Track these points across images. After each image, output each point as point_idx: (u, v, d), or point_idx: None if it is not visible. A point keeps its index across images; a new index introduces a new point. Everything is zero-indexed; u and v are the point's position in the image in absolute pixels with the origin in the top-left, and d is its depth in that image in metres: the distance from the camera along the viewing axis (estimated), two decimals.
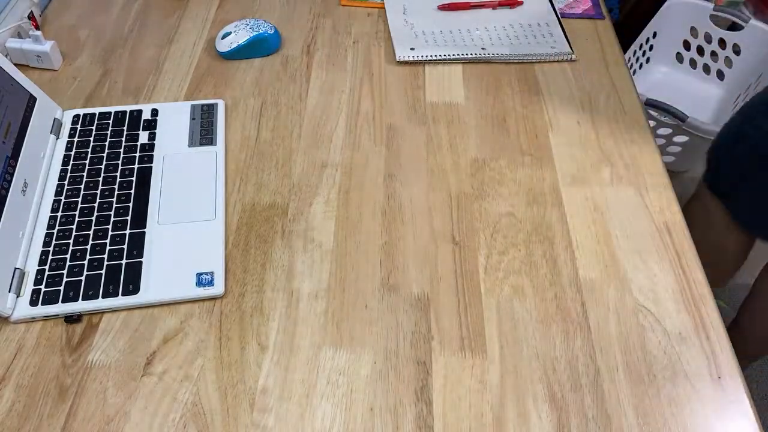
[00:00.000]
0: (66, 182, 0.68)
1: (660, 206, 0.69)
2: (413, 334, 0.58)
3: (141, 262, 0.61)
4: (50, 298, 0.58)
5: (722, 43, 1.60)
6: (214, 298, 0.60)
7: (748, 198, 0.94)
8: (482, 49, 0.87)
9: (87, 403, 0.53)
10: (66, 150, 0.71)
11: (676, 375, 0.56)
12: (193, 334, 0.58)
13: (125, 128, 0.73)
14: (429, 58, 0.85)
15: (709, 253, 0.78)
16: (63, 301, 0.58)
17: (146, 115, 0.75)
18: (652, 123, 1.46)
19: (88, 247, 0.62)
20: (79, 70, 0.83)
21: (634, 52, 1.64)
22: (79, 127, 0.73)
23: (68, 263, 0.61)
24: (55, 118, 0.73)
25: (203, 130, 0.74)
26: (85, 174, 0.69)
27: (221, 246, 0.63)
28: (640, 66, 1.70)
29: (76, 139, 0.72)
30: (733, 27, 1.56)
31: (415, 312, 0.60)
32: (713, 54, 1.65)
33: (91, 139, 0.72)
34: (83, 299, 0.58)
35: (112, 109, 0.76)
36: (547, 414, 0.53)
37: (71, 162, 0.70)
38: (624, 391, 0.55)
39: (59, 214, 0.65)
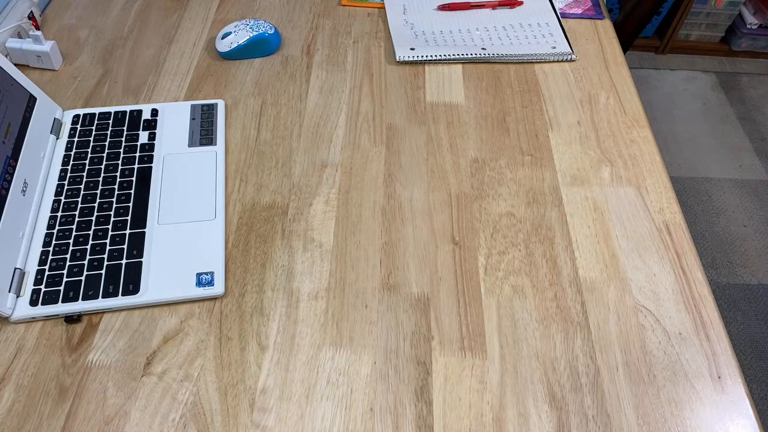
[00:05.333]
0: (66, 182, 0.68)
1: (660, 206, 0.69)
2: (413, 334, 0.58)
3: (141, 262, 0.61)
4: (50, 298, 0.58)
5: None
6: (214, 298, 0.60)
7: None
8: (482, 49, 0.87)
9: (87, 403, 0.53)
10: (66, 150, 0.71)
11: (676, 375, 0.56)
12: (193, 334, 0.58)
13: (125, 128, 0.73)
14: (429, 58, 0.85)
15: None
16: (63, 301, 0.58)
17: (146, 115, 0.75)
18: None
19: (88, 247, 0.62)
20: (79, 70, 0.83)
21: None
22: (79, 127, 0.73)
23: (68, 263, 0.61)
24: (55, 118, 0.73)
25: (203, 130, 0.74)
26: (85, 174, 0.69)
27: (221, 246, 0.63)
28: None
29: (76, 139, 0.72)
30: None
31: (415, 312, 0.60)
32: None
33: (91, 139, 0.72)
34: (83, 299, 0.58)
35: (112, 109, 0.76)
36: (547, 414, 0.53)
37: (71, 162, 0.70)
38: (624, 391, 0.55)
39: (59, 214, 0.65)
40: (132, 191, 0.67)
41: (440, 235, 0.65)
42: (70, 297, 0.58)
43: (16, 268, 0.59)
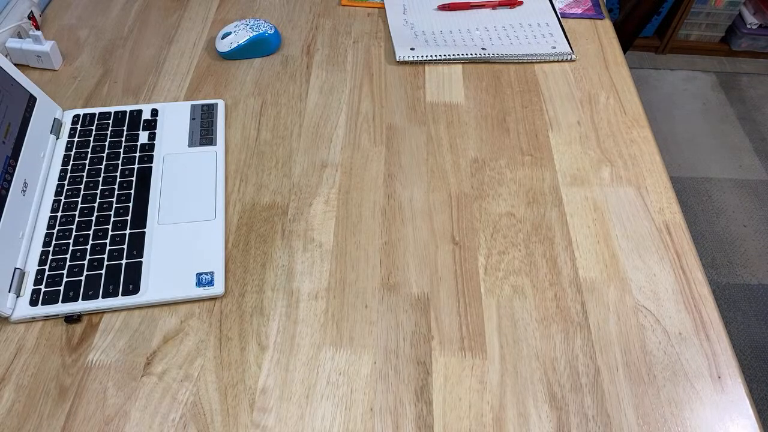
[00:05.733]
0: (66, 182, 0.68)
1: (660, 206, 0.69)
2: (413, 334, 0.58)
3: (141, 262, 0.61)
4: (50, 298, 0.58)
5: None
6: (214, 298, 0.60)
7: None
8: (482, 49, 0.87)
9: (87, 403, 0.53)
10: (66, 150, 0.71)
11: (676, 375, 0.56)
12: (193, 334, 0.58)
13: (125, 128, 0.73)
14: (429, 58, 0.85)
15: None
16: (63, 301, 0.58)
17: (146, 115, 0.75)
18: None
19: (88, 247, 0.62)
20: (79, 70, 0.83)
21: None
22: (79, 127, 0.73)
23: (68, 263, 0.61)
24: (55, 118, 0.73)
25: (203, 130, 0.74)
26: (85, 174, 0.69)
27: (221, 246, 0.63)
28: None
29: (76, 139, 0.72)
30: None
31: (415, 312, 0.60)
32: None
33: (91, 139, 0.72)
34: (83, 299, 0.58)
35: (112, 109, 0.76)
36: (547, 414, 0.53)
37: (71, 162, 0.70)
38: (624, 391, 0.55)
39: (59, 214, 0.65)
40: (132, 191, 0.67)
41: (440, 235, 0.65)
42: (70, 297, 0.58)
43: (16, 268, 0.59)
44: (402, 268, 0.63)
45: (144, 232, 0.63)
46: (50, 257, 0.61)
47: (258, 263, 0.63)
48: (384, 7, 0.94)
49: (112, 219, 0.64)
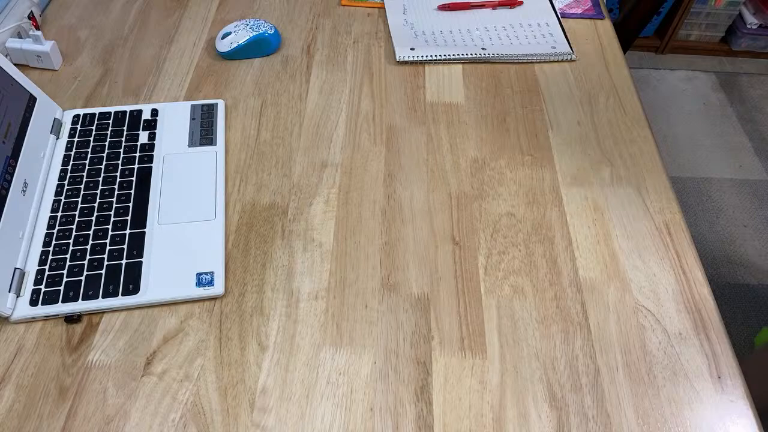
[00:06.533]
0: (66, 182, 0.68)
1: (660, 206, 0.69)
2: (413, 334, 0.58)
3: (141, 262, 0.61)
4: (50, 298, 0.58)
5: None
6: (214, 298, 0.60)
7: None
8: (482, 49, 0.87)
9: (87, 403, 0.53)
10: (66, 150, 0.71)
11: (676, 375, 0.56)
12: (193, 334, 0.58)
13: (125, 128, 0.73)
14: (429, 58, 0.85)
15: None
16: (63, 301, 0.58)
17: (146, 115, 0.75)
18: None
19: (88, 247, 0.62)
20: (79, 70, 0.83)
21: None
22: (79, 127, 0.73)
23: (68, 263, 0.61)
24: (55, 118, 0.73)
25: (203, 130, 0.74)
26: (85, 174, 0.69)
27: (221, 246, 0.63)
28: None
29: (76, 139, 0.72)
30: None
31: (415, 312, 0.60)
32: None
33: (91, 139, 0.72)
34: (83, 299, 0.58)
35: (112, 109, 0.76)
36: (547, 414, 0.53)
37: (71, 162, 0.70)
38: (624, 391, 0.55)
39: (59, 214, 0.65)
40: (132, 191, 0.67)
41: (440, 235, 0.65)
42: (70, 297, 0.58)
43: (16, 268, 0.59)
44: (402, 268, 0.63)
45: (144, 232, 0.63)
46: (50, 257, 0.61)
47: (258, 263, 0.63)
48: (384, 7, 0.94)
49: (112, 219, 0.64)
